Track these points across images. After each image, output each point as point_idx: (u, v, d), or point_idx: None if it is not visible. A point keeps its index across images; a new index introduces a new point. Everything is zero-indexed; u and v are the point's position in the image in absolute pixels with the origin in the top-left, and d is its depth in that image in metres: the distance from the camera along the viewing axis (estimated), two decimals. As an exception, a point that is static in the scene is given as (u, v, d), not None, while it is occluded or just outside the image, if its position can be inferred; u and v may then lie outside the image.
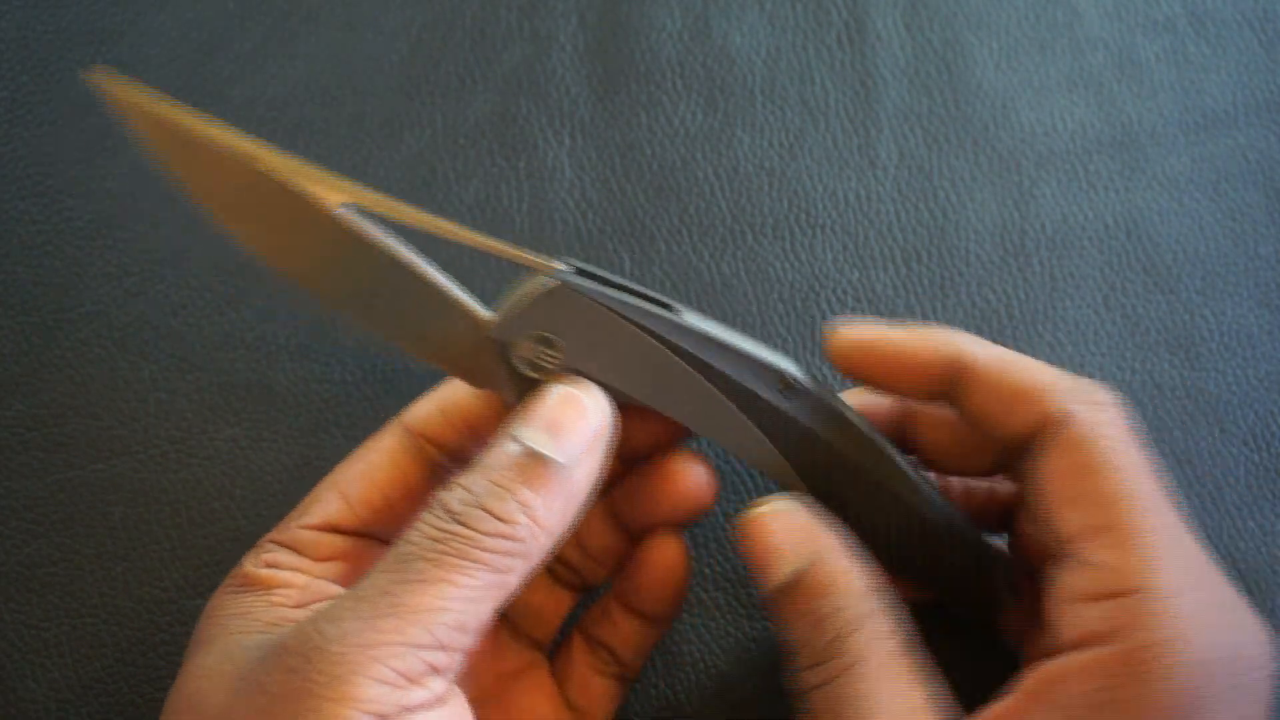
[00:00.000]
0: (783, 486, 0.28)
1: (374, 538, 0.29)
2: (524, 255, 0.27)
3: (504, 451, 0.25)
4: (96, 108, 0.40)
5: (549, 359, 0.27)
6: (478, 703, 0.28)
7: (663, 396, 0.28)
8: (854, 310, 0.37)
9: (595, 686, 0.31)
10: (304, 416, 0.36)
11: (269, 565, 0.27)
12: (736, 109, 0.39)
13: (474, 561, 0.24)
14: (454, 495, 0.24)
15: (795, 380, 0.28)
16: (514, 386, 0.27)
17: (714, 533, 0.35)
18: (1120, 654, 0.22)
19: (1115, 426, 0.25)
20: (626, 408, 0.28)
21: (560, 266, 0.27)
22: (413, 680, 0.23)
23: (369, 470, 0.29)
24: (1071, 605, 0.24)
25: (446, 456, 0.30)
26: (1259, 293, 0.37)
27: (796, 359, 0.29)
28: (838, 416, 0.28)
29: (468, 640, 0.24)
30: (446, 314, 0.27)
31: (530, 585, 0.30)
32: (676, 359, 0.27)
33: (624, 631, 0.31)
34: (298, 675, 0.22)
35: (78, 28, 0.41)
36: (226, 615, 0.26)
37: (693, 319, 0.28)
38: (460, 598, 0.23)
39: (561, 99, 0.40)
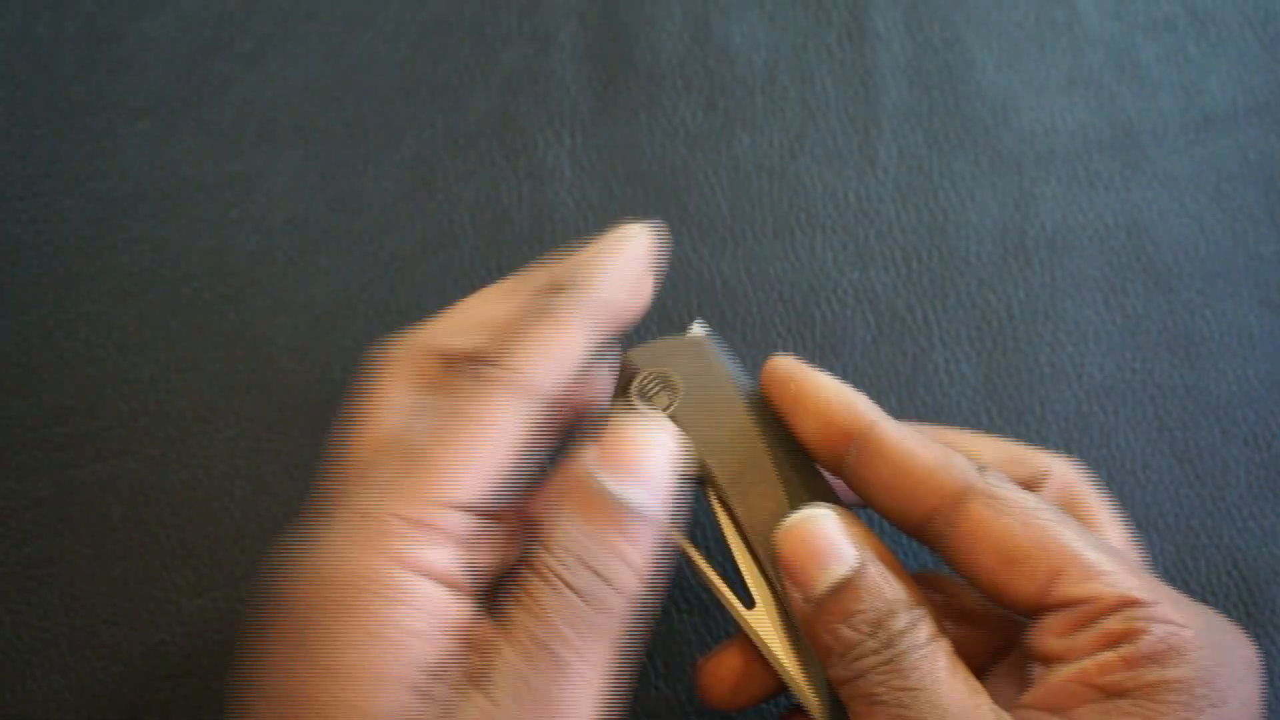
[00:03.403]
0: None
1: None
2: None
3: (604, 507, 0.24)
4: (96, 108, 0.40)
5: (661, 398, 0.28)
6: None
7: (738, 492, 0.27)
8: (854, 310, 0.37)
9: None
10: (304, 416, 0.36)
11: (427, 560, 0.23)
12: (736, 109, 0.39)
13: (610, 639, 0.23)
14: (572, 572, 0.23)
15: None
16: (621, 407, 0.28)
17: (714, 534, 0.35)
18: (1137, 648, 0.23)
19: (1011, 488, 0.26)
20: None
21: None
22: None
23: (498, 448, 0.25)
24: (1068, 638, 0.24)
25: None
26: (1259, 293, 0.37)
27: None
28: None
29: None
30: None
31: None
32: (772, 449, 0.28)
33: None
34: None
35: (78, 28, 0.41)
36: (390, 601, 0.23)
37: None
38: (599, 674, 0.23)
39: (561, 99, 0.40)
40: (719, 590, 0.28)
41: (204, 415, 0.36)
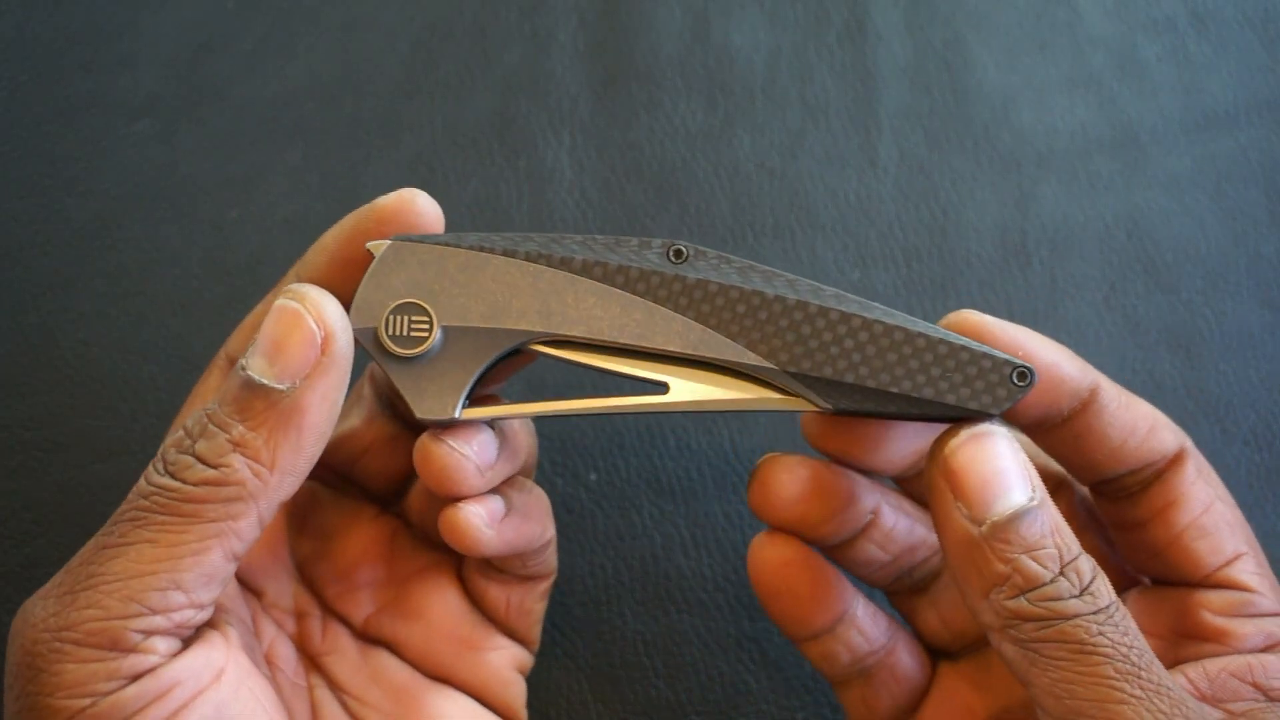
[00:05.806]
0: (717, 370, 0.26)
1: None
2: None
3: (228, 384, 0.23)
4: (96, 108, 0.40)
5: (419, 327, 0.25)
6: (380, 604, 0.29)
7: (555, 318, 0.25)
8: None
9: (492, 592, 0.30)
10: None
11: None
12: (736, 109, 0.39)
13: (182, 516, 0.22)
14: (172, 442, 0.23)
15: (685, 246, 0.25)
16: (398, 377, 0.25)
17: (714, 533, 0.35)
18: None
19: (1205, 465, 0.27)
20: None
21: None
22: (127, 649, 0.22)
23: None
24: (1229, 620, 0.26)
25: None
26: (1259, 292, 0.37)
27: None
28: (747, 266, 0.25)
29: (202, 594, 0.22)
30: None
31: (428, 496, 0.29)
32: (555, 270, 0.25)
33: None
34: (10, 666, 0.22)
35: (78, 28, 0.41)
36: None
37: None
38: (169, 557, 0.22)
39: (561, 99, 0.40)
40: (640, 404, 0.25)
41: (204, 415, 0.36)
